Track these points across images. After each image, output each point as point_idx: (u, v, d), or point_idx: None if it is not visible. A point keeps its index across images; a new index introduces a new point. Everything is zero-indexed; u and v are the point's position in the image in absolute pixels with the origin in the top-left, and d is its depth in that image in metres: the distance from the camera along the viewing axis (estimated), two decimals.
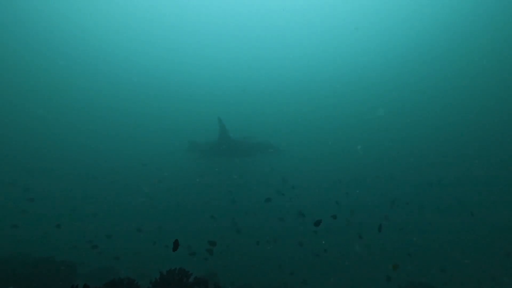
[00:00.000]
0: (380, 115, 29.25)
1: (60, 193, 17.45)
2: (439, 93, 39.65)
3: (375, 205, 15.71)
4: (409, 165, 25.15)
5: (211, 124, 35.58)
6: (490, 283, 10.31)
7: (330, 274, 11.28)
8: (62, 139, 33.41)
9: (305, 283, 10.69)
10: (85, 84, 47.60)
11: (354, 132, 37.70)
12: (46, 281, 8.58)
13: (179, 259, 10.04)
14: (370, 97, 45.89)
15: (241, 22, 47.15)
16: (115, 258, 11.70)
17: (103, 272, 11.48)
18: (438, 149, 27.37)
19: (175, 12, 45.79)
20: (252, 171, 21.17)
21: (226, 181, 19.49)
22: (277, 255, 11.32)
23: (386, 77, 46.29)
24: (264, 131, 30.32)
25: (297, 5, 43.92)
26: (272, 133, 31.81)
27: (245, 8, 45.72)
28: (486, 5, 34.04)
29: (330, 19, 44.55)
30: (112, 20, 44.79)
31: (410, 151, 28.42)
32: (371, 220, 13.68)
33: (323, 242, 11.52)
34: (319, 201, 14.54)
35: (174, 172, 21.55)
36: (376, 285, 10.59)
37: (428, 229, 13.26)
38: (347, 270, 11.12)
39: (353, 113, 43.91)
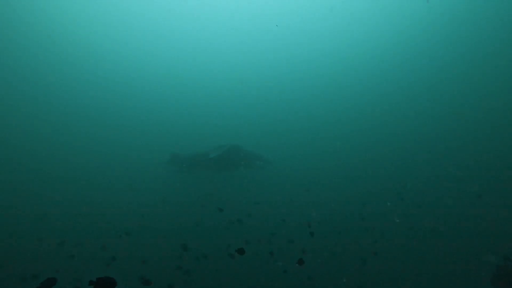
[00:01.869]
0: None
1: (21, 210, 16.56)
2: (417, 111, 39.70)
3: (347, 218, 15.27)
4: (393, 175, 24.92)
5: (195, 136, 35.21)
6: None
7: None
8: (34, 150, 32.22)
9: None
10: (74, 88, 46.80)
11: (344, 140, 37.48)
12: None
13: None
14: (363, 104, 45.86)
15: (227, 32, 47.40)
16: None
17: None
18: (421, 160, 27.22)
19: (156, 25, 45.78)
20: (231, 187, 20.52)
21: (200, 199, 18.76)
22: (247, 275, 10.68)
23: (378, 86, 46.55)
24: (251, 141, 29.84)
25: (288, 12, 44.14)
26: (260, 142, 31.41)
27: (234, 14, 45.91)
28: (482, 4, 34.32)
29: (320, 29, 44.99)
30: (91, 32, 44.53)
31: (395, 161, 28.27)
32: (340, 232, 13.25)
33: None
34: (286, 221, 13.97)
35: (150, 186, 20.82)
36: None
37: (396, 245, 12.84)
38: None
39: (344, 120, 43.76)
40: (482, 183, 18.69)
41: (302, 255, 10.11)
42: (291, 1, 41.94)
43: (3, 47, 41.60)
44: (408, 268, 11.07)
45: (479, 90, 37.54)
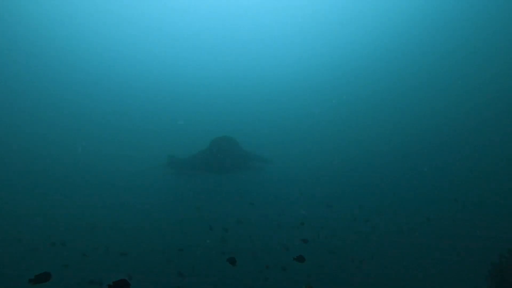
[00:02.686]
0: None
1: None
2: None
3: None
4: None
5: (193, 137, 35.07)
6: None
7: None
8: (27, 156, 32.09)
9: None
10: (71, 89, 46.69)
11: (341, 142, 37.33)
12: None
13: None
14: (360, 104, 45.61)
15: (225, 32, 47.27)
16: None
17: None
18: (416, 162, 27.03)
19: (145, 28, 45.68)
20: (225, 191, 20.42)
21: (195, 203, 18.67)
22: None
23: (376, 85, 46.25)
24: (250, 141, 29.64)
25: (288, 10, 43.84)
26: (260, 142, 31.26)
27: (231, 12, 45.74)
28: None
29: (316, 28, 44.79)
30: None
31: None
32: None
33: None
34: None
35: (146, 189, 20.84)
36: None
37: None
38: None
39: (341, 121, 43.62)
40: (479, 182, 18.71)
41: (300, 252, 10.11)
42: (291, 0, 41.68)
43: (3, 47, 41.66)
44: (404, 267, 11.10)
45: (480, 87, 37.35)
